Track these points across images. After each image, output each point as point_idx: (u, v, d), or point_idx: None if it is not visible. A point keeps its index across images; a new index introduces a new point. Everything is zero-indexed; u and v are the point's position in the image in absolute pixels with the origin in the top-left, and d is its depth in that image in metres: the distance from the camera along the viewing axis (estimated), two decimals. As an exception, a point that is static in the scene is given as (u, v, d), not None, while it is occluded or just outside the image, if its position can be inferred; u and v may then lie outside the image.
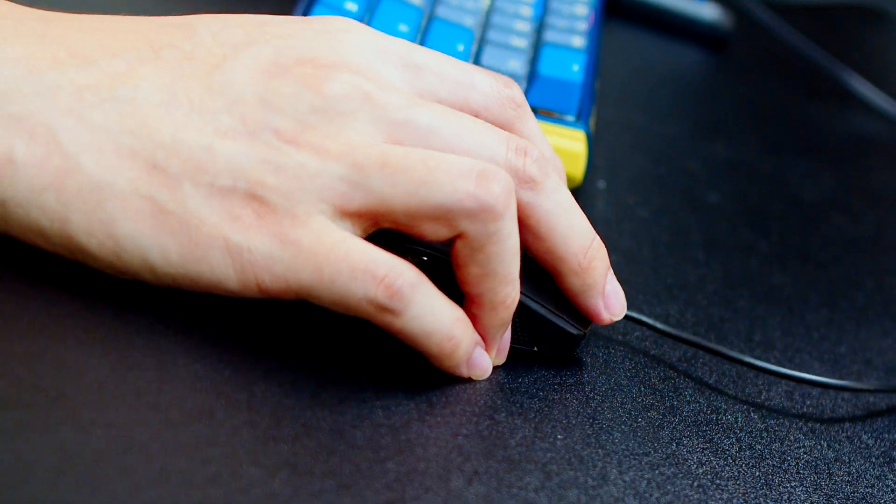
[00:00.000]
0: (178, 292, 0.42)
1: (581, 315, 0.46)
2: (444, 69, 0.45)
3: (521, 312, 0.45)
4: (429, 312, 0.42)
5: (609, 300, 0.46)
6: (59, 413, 0.37)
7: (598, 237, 0.45)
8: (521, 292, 0.45)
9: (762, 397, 0.49)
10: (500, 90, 0.45)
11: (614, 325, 0.50)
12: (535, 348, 0.46)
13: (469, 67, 0.45)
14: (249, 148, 0.41)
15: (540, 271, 0.45)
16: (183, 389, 0.39)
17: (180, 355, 0.41)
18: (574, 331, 0.46)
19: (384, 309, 0.41)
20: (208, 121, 0.41)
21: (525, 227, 0.44)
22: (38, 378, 0.38)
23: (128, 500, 0.35)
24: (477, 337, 0.44)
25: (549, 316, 0.46)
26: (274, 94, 0.42)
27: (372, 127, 0.42)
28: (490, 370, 0.44)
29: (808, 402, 0.50)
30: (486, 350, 0.44)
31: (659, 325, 0.49)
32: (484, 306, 0.43)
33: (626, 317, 0.48)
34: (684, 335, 0.50)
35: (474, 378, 0.44)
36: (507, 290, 0.43)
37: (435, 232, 0.42)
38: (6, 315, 0.40)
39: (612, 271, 0.46)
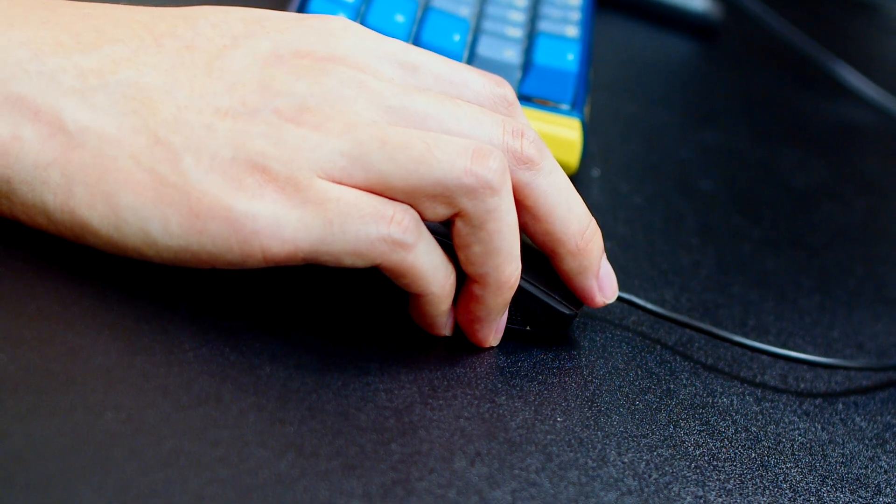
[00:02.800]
0: (184, 277, 0.43)
1: (572, 295, 0.47)
2: (438, 68, 0.45)
3: (515, 292, 0.46)
4: (434, 247, 0.43)
5: (603, 282, 0.47)
6: (70, 397, 0.37)
7: (593, 219, 0.46)
8: None
9: (757, 380, 0.50)
10: (493, 89, 0.46)
11: (612, 309, 0.51)
12: (528, 328, 0.47)
13: (462, 67, 0.46)
14: (249, 125, 0.41)
15: (530, 252, 0.46)
16: (190, 373, 0.40)
17: (187, 340, 0.41)
18: (566, 311, 0.47)
19: (399, 244, 0.41)
20: (209, 102, 0.42)
21: (523, 207, 0.44)
22: (48, 363, 0.38)
23: (137, 481, 0.35)
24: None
25: (541, 296, 0.46)
26: (273, 80, 0.42)
27: (370, 110, 0.42)
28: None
29: (803, 385, 0.51)
30: (486, 330, 0.45)
31: (650, 307, 0.50)
32: (489, 286, 0.44)
33: (619, 299, 0.48)
34: (676, 316, 0.50)
35: (443, 334, 0.45)
36: (511, 267, 0.44)
37: (434, 211, 0.42)
38: (16, 301, 0.40)
39: (605, 254, 0.47)
